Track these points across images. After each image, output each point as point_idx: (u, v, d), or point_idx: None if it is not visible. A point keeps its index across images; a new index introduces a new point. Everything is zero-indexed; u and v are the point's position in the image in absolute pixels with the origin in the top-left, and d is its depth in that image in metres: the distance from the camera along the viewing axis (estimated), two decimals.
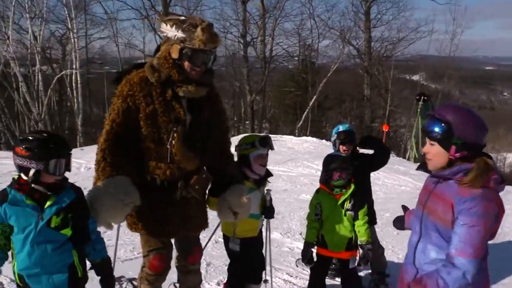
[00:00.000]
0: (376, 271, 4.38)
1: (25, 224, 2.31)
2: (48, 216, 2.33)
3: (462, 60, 39.44)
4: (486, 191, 2.07)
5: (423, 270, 2.24)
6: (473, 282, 2.03)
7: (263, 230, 3.68)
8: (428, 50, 31.05)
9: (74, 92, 22.33)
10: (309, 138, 18.36)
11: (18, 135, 20.42)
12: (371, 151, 4.16)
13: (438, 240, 2.18)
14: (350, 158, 3.78)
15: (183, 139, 2.81)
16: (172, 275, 3.26)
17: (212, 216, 3.20)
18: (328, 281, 4.04)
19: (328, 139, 19.26)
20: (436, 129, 2.13)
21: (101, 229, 2.67)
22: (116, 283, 3.71)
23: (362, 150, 4.30)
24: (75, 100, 22.33)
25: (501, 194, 2.15)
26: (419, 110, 5.63)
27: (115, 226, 2.94)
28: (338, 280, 4.07)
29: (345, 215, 3.55)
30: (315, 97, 26.30)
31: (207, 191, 3.14)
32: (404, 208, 2.78)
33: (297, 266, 4.76)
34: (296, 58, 30.54)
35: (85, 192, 2.61)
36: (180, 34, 2.68)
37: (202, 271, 3.65)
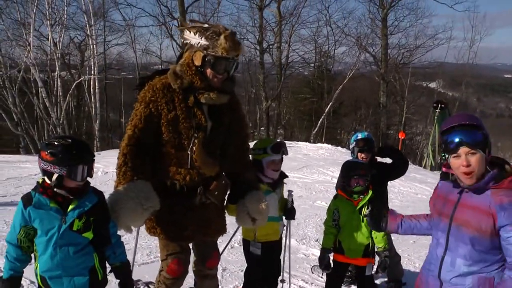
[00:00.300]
0: (392, 279, 4.35)
1: (48, 227, 2.36)
2: (71, 220, 2.38)
3: (480, 67, 38.94)
4: None
5: (450, 283, 2.22)
6: None
7: (283, 235, 3.69)
8: (446, 57, 30.88)
9: (92, 97, 22.66)
10: (324, 144, 18.32)
11: (37, 139, 20.78)
12: (389, 160, 4.15)
13: (470, 253, 2.16)
14: (369, 166, 3.78)
15: (203, 145, 2.84)
16: (188, 279, 3.28)
17: (229, 221, 3.23)
18: None
19: (343, 146, 19.22)
20: (478, 136, 2.12)
21: (119, 233, 2.71)
22: (134, 286, 3.76)
23: (380, 159, 4.29)
24: (93, 105, 22.64)
25: None
26: (436, 117, 5.59)
27: (134, 230, 2.99)
28: None
29: (362, 221, 3.54)
30: (330, 103, 26.24)
31: (225, 197, 3.16)
32: (392, 212, 2.73)
33: (312, 273, 4.75)
34: (312, 65, 30.56)
35: (105, 197, 2.66)
36: (203, 42, 2.72)
37: (218, 276, 3.67)
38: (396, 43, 29.13)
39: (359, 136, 4.16)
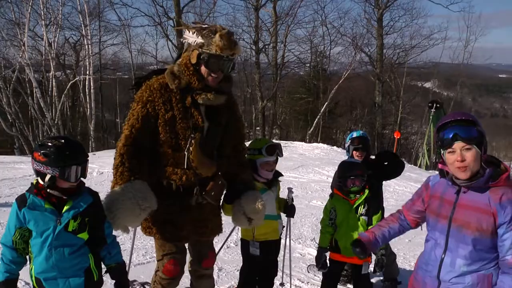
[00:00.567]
0: (387, 278, 4.36)
1: (43, 228, 2.35)
2: (66, 220, 2.36)
3: (475, 67, 39.16)
4: None
5: (450, 283, 2.23)
6: None
7: (282, 236, 3.69)
8: (441, 57, 30.94)
9: (87, 97, 22.55)
10: (320, 144, 18.34)
11: (31, 140, 20.68)
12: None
13: (470, 253, 2.17)
14: (365, 165, 3.78)
15: (200, 145, 2.84)
16: (184, 279, 3.28)
17: (225, 221, 3.23)
18: (340, 287, 4.03)
19: (339, 146, 19.24)
20: (472, 131, 2.13)
21: (115, 233, 2.70)
22: (130, 287, 3.75)
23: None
24: (88, 105, 22.53)
25: None
26: (431, 117, 5.62)
27: (131, 230, 2.98)
28: (350, 287, 4.06)
29: (359, 220, 3.55)
30: (326, 103, 26.25)
31: (222, 197, 3.16)
32: (361, 235, 2.69)
33: (308, 272, 4.75)
34: (308, 65, 30.54)
35: (101, 197, 2.65)
36: (199, 40, 2.72)
37: (214, 276, 3.66)
38: (392, 43, 29.27)
39: (355, 134, 4.17)
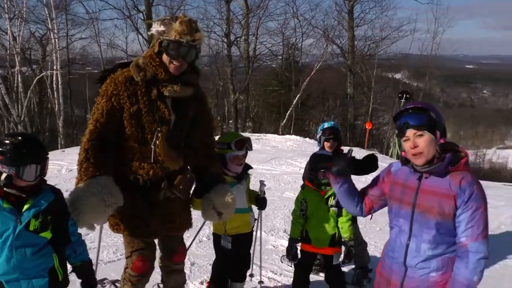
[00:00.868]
0: (359, 266, 4.41)
1: (3, 228, 2.25)
2: (27, 219, 2.27)
3: (444, 59, 40.01)
4: (472, 174, 2.17)
5: (416, 268, 2.26)
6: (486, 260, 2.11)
7: (254, 228, 3.68)
8: (410, 49, 31.57)
9: (55, 93, 21.94)
10: (293, 136, 18.39)
11: None
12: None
13: (434, 237, 2.21)
14: (335, 156, 3.79)
15: (167, 139, 2.79)
16: (155, 275, 3.23)
17: (196, 215, 3.19)
18: (312, 276, 4.06)
19: (311, 137, 19.38)
20: (422, 118, 2.18)
21: (83, 231, 2.63)
22: (99, 285, 3.68)
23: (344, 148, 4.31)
24: (56, 101, 21.94)
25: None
26: (401, 107, 5.68)
27: (98, 227, 2.91)
28: (322, 275, 4.09)
29: (329, 211, 3.57)
30: (298, 95, 26.38)
31: (191, 191, 3.12)
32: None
33: (282, 262, 4.77)
34: (280, 57, 30.58)
35: (67, 195, 2.57)
36: (161, 28, 2.68)
37: (186, 270, 3.64)
38: (362, 35, 29.61)
39: (326, 125, 4.17)
